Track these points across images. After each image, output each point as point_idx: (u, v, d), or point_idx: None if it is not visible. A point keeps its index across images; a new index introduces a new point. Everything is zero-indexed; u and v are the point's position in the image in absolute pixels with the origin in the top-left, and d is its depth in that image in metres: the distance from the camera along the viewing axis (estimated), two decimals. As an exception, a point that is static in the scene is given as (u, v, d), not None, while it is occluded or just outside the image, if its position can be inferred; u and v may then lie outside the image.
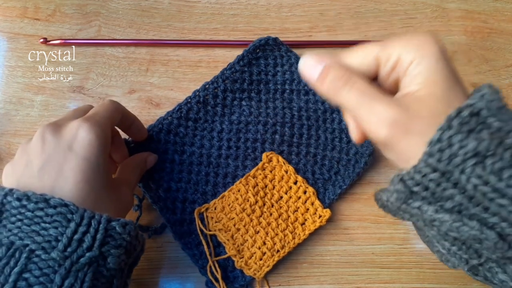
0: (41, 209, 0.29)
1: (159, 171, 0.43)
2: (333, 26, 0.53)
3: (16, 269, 0.27)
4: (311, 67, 0.29)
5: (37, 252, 0.28)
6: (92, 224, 0.29)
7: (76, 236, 0.29)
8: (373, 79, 0.30)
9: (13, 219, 0.29)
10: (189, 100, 0.45)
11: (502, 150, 0.23)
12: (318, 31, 0.52)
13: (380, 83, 0.30)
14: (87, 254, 0.29)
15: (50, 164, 0.31)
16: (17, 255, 0.28)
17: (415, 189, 0.25)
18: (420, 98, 0.26)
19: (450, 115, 0.23)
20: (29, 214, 0.29)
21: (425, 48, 0.26)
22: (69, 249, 0.28)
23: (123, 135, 0.43)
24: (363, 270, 0.42)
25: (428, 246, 0.31)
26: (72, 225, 0.29)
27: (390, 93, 0.28)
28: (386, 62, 0.28)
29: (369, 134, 0.27)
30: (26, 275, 0.27)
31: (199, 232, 0.41)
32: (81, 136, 0.32)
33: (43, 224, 0.29)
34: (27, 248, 0.28)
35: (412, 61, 0.26)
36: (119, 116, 0.38)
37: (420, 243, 0.43)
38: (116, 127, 0.40)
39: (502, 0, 0.53)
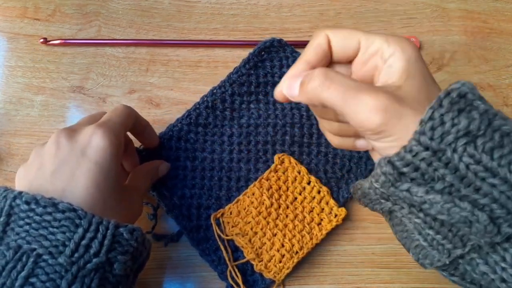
0: (49, 213, 0.29)
1: (172, 178, 0.43)
2: (333, 26, 0.53)
3: (23, 273, 0.27)
4: (289, 86, 0.30)
5: (44, 257, 0.28)
6: (100, 229, 0.29)
7: (83, 242, 0.29)
8: (348, 63, 0.32)
9: (21, 222, 0.29)
10: (198, 106, 0.45)
11: (491, 131, 0.23)
12: (318, 31, 0.52)
13: (353, 70, 0.31)
14: (94, 260, 0.29)
15: (63, 168, 0.32)
16: (24, 259, 0.28)
17: (404, 169, 0.25)
18: (402, 89, 0.27)
19: (439, 96, 0.24)
20: (37, 218, 0.29)
21: (406, 46, 0.28)
22: (76, 255, 0.28)
23: (137, 143, 0.43)
24: (363, 270, 0.42)
25: (404, 243, 0.30)
26: (80, 230, 0.29)
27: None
28: (367, 49, 0.29)
29: (360, 126, 0.27)
30: (33, 279, 0.27)
31: (217, 238, 0.41)
32: (94, 142, 0.33)
33: (51, 229, 0.29)
34: (34, 252, 0.28)
35: (393, 54, 0.28)
36: (132, 122, 0.38)
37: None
38: (129, 134, 0.40)
39: (502, 0, 0.53)
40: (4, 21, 0.52)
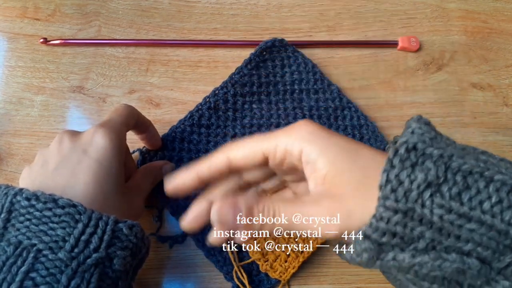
0: (50, 209, 0.29)
1: None
2: (333, 26, 0.53)
3: (23, 269, 0.27)
4: (228, 214, 0.27)
5: (44, 252, 0.28)
6: (100, 225, 0.29)
7: (83, 237, 0.29)
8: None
9: (21, 218, 0.29)
10: (200, 107, 0.45)
11: (451, 175, 0.23)
12: (318, 31, 0.52)
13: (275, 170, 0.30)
14: (94, 255, 0.29)
15: (64, 165, 0.32)
16: (24, 254, 0.28)
17: (383, 240, 0.23)
18: (335, 179, 0.25)
19: (388, 157, 0.23)
20: (37, 214, 0.29)
21: (306, 134, 0.26)
22: (76, 250, 0.28)
23: (140, 144, 0.43)
24: (363, 270, 0.42)
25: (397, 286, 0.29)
26: (80, 225, 0.29)
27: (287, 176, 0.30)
28: (275, 155, 0.28)
29: (322, 237, 0.26)
30: (33, 274, 0.27)
31: None
32: (95, 141, 0.33)
33: (51, 224, 0.29)
34: (34, 248, 0.28)
35: (302, 150, 0.26)
36: (133, 120, 0.38)
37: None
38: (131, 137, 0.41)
39: (502, 0, 0.54)
40: (4, 21, 0.52)
